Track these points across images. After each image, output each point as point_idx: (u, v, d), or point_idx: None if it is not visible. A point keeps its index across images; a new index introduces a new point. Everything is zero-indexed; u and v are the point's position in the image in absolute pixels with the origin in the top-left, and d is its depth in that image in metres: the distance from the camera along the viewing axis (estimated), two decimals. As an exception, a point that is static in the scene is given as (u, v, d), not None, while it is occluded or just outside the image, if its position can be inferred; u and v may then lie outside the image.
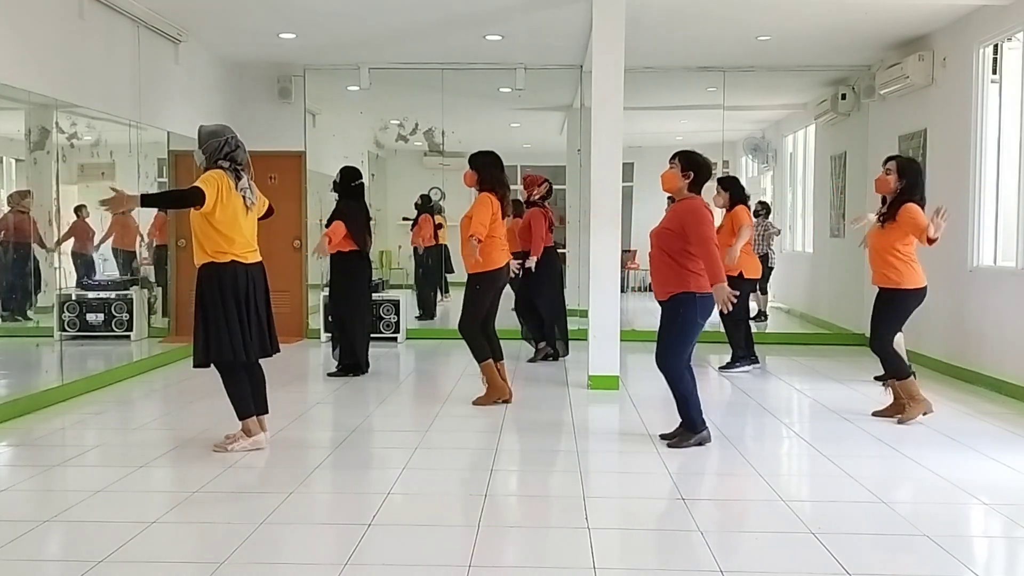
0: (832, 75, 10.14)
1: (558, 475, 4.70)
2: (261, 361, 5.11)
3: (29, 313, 7.50)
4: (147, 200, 5.00)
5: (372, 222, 7.78)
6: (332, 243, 7.20)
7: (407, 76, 10.17)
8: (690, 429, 5.17)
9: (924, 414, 5.83)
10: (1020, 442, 5.41)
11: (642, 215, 14.25)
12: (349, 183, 7.43)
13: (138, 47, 7.71)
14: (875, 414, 6.00)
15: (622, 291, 7.33)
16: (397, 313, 9.86)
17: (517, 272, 6.85)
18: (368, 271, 7.71)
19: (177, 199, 5.10)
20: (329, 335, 7.99)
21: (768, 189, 13.16)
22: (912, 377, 5.90)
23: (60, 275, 7.48)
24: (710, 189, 6.26)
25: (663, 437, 5.27)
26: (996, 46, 7.41)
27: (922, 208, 5.69)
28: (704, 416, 5.20)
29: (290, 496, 4.15)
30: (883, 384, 6.02)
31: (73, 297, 8.46)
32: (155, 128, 8.40)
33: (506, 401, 6.32)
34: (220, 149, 4.85)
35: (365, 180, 7.69)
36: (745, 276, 7.84)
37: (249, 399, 5.03)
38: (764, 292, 11.03)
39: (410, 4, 7.61)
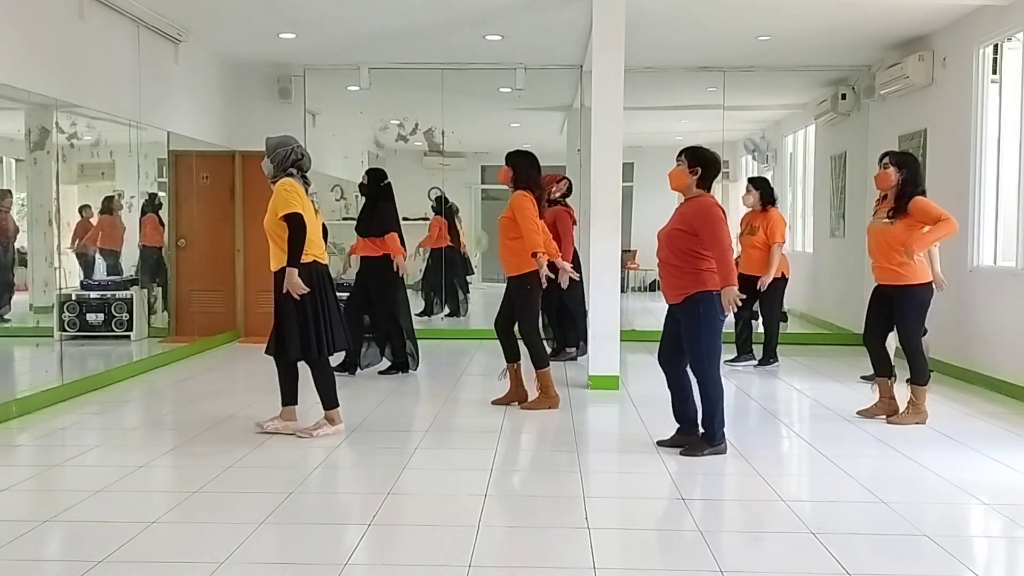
0: (832, 75, 10.14)
1: (558, 475, 4.70)
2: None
3: (7, 315, 7.53)
4: (292, 262, 5.07)
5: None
6: (399, 254, 7.29)
7: (407, 76, 10.17)
8: (709, 441, 4.95)
9: (917, 423, 5.76)
10: (1020, 442, 5.42)
11: (642, 215, 14.28)
12: (378, 184, 7.43)
13: (138, 47, 7.71)
14: (860, 413, 6.00)
15: (622, 291, 7.33)
16: (397, 313, 9.84)
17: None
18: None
19: (298, 237, 5.09)
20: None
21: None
22: (927, 386, 5.84)
23: (60, 275, 7.48)
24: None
25: (660, 444, 5.12)
26: (996, 46, 7.40)
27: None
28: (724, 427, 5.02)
29: (290, 496, 4.15)
30: (871, 384, 6.05)
31: (73, 297, 8.46)
32: (155, 128, 8.40)
33: (552, 407, 6.18)
34: (287, 157, 5.22)
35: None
36: (785, 275, 8.04)
37: (335, 390, 5.37)
38: None
39: (410, 4, 7.61)
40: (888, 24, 8.13)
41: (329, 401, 5.36)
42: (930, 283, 5.79)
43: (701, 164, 4.92)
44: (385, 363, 7.64)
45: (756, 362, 8.17)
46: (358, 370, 7.53)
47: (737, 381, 7.55)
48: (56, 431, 5.68)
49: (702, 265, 4.82)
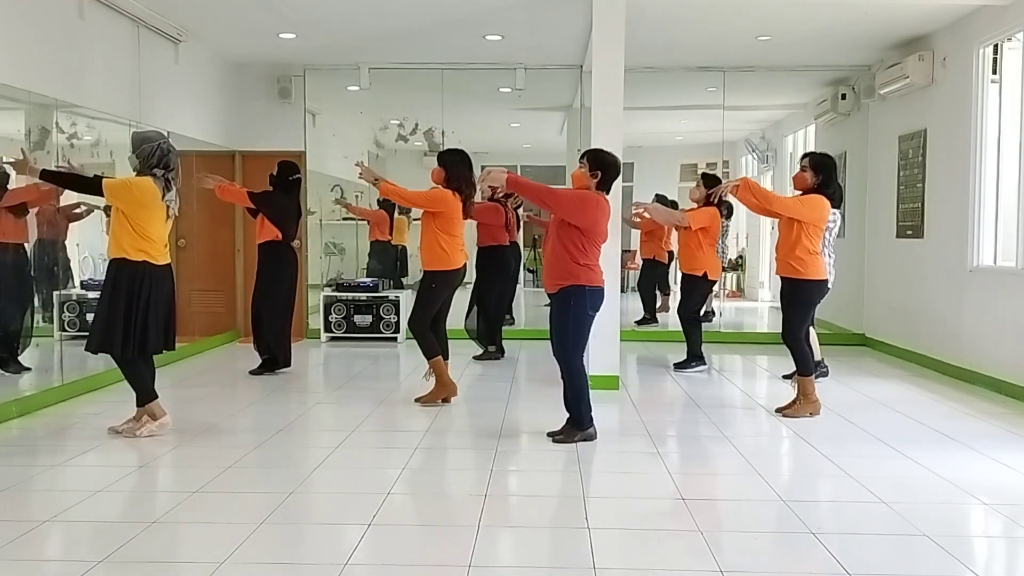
0: (832, 75, 10.15)
1: (558, 475, 4.70)
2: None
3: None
4: (47, 174, 5.23)
5: (305, 216, 7.84)
6: (225, 194, 7.30)
7: (407, 76, 10.17)
8: (576, 425, 5.24)
9: (811, 415, 5.99)
10: (1020, 442, 5.42)
11: (642, 215, 14.27)
12: (286, 177, 7.46)
13: (138, 47, 7.71)
14: (778, 411, 6.10)
15: (622, 291, 7.33)
16: (397, 313, 9.87)
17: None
18: (293, 263, 7.64)
19: (77, 183, 5.34)
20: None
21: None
22: (813, 376, 6.09)
23: (60, 275, 7.48)
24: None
25: (550, 435, 5.30)
26: (996, 46, 7.41)
27: (832, 200, 5.96)
28: (593, 414, 5.29)
29: (290, 496, 4.16)
30: (791, 381, 6.14)
31: (73, 297, 8.45)
32: (155, 128, 8.38)
33: (446, 400, 6.31)
34: (153, 154, 5.18)
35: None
36: (709, 277, 7.84)
37: (151, 385, 5.37)
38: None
39: (410, 4, 7.62)
40: (888, 24, 8.13)
41: (144, 395, 5.36)
42: (823, 281, 5.96)
43: (601, 168, 5.15)
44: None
45: (678, 362, 8.01)
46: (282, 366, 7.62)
47: (738, 381, 7.55)
48: (56, 431, 5.68)
49: (579, 259, 5.05)
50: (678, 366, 7.95)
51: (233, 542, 3.51)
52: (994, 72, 7.47)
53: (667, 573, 3.34)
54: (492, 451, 5.07)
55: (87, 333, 5.38)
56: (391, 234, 11.41)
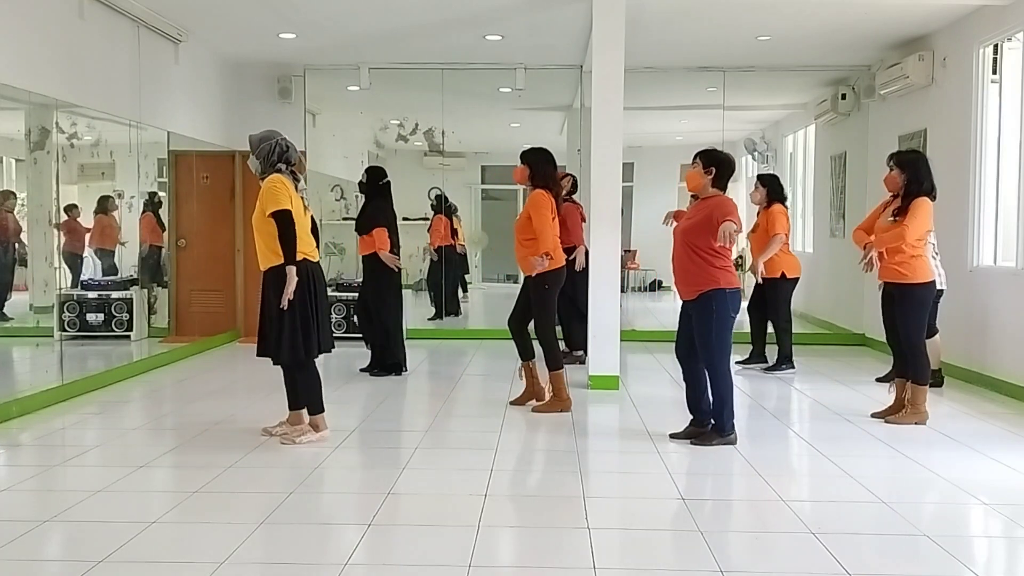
0: (832, 75, 10.14)
1: (558, 475, 4.70)
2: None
3: (7, 312, 7.54)
4: (289, 259, 4.92)
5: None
6: (382, 249, 7.22)
7: (407, 76, 10.17)
8: (719, 431, 5.21)
9: (916, 423, 5.78)
10: (1020, 442, 5.42)
11: (642, 215, 14.29)
12: (377, 182, 7.39)
13: (138, 47, 7.71)
14: (874, 415, 5.98)
15: (622, 291, 7.32)
16: (397, 313, 9.85)
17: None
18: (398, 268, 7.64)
19: (289, 235, 4.93)
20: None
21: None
22: (927, 387, 5.85)
23: (60, 275, 7.48)
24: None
25: (673, 436, 5.30)
26: (996, 46, 7.40)
27: (933, 198, 5.75)
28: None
29: (290, 496, 4.16)
30: (888, 385, 6.02)
31: (74, 297, 8.46)
32: (155, 128, 8.40)
33: (564, 409, 6.07)
34: (273, 151, 5.08)
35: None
36: (788, 276, 7.74)
37: (320, 395, 5.22)
38: None
39: (410, 4, 7.61)
40: (888, 24, 8.13)
41: (314, 406, 5.22)
42: (932, 283, 5.82)
43: (715, 164, 5.14)
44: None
45: (766, 366, 7.98)
46: (403, 370, 7.55)
47: (739, 381, 7.54)
48: (56, 431, 5.68)
49: (716, 263, 5.03)
50: (768, 369, 7.91)
51: (233, 542, 3.51)
52: (994, 72, 7.46)
53: (667, 573, 3.34)
54: (492, 451, 5.07)
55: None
56: (454, 238, 11.45)
